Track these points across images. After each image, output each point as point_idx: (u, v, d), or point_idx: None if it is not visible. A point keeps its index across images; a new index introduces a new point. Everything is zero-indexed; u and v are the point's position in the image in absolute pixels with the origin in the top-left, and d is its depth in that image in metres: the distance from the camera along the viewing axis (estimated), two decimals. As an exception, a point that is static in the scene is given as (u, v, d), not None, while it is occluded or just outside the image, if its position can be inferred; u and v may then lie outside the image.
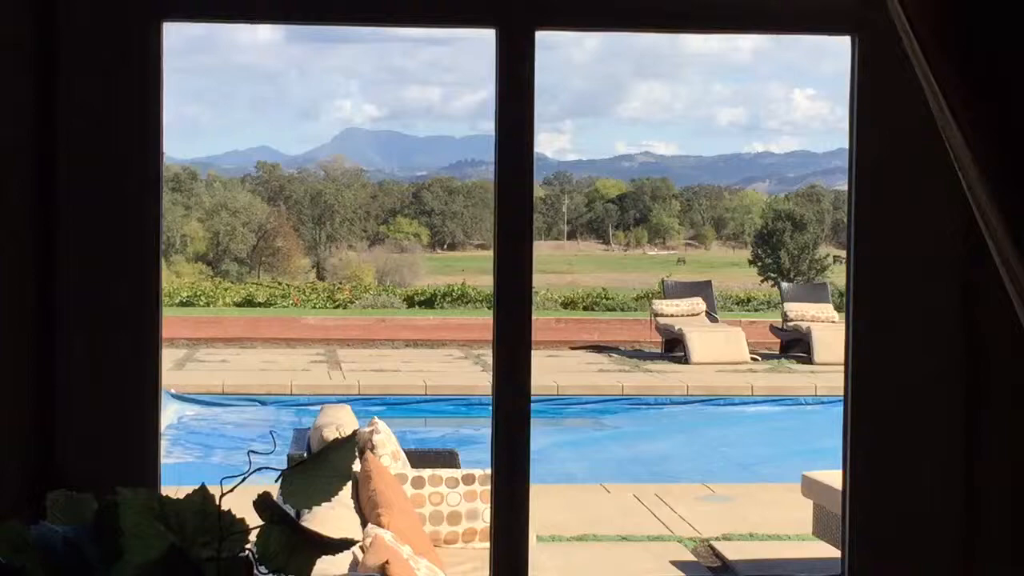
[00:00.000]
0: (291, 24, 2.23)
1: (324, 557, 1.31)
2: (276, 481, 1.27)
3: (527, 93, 2.14)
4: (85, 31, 2.07)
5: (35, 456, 2.09)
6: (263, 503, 1.25)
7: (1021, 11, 1.39)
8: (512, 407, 2.19)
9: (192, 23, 2.17)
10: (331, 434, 6.82)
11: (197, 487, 1.27)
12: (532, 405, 2.21)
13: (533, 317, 2.23)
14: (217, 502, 1.26)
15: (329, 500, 1.29)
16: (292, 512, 1.36)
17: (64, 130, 2.08)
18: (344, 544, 1.28)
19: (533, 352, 2.22)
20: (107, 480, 2.08)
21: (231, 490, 1.26)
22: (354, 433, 1.38)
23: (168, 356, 20.08)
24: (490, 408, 2.23)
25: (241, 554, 1.26)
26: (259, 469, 1.27)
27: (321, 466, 1.30)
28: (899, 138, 2.21)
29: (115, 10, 2.08)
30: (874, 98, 2.22)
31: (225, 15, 2.20)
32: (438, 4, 2.19)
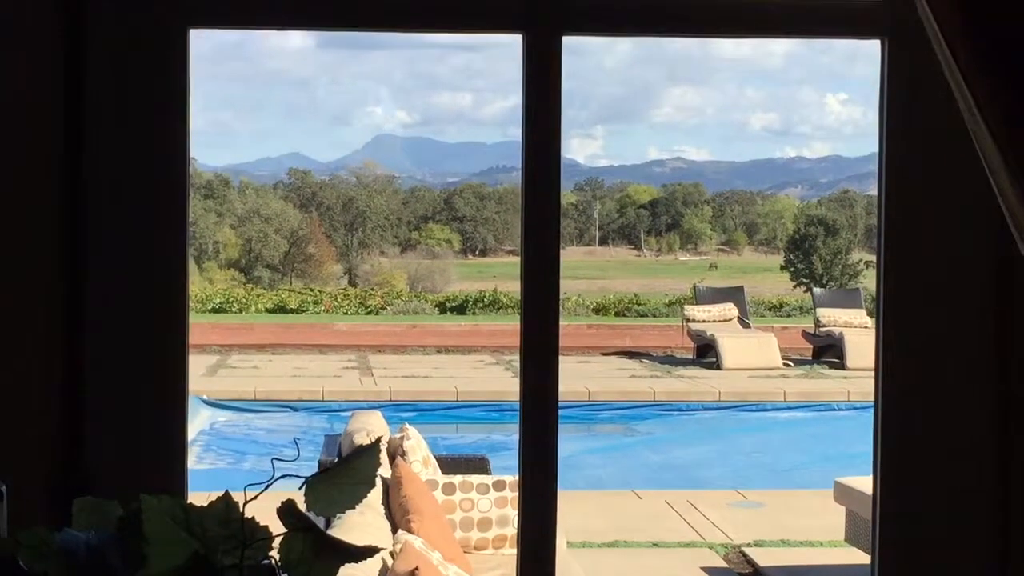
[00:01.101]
0: (318, 30, 2.23)
1: (352, 564, 1.30)
2: (300, 488, 1.27)
3: (554, 99, 2.13)
4: (113, 36, 2.08)
5: (62, 462, 2.10)
6: (287, 510, 1.25)
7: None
8: (539, 413, 2.18)
9: (220, 30, 2.17)
10: (362, 440, 6.83)
11: (220, 495, 1.27)
12: (563, 411, 2.21)
13: (564, 323, 2.23)
14: (241, 509, 1.25)
15: (353, 507, 1.28)
16: (320, 519, 1.35)
17: (92, 134, 2.08)
18: (368, 552, 1.27)
19: (564, 357, 2.21)
20: (134, 485, 2.09)
21: (255, 497, 1.26)
22: (379, 440, 1.37)
23: (200, 362, 20.15)
24: (520, 414, 2.23)
25: (264, 562, 1.26)
26: (283, 476, 1.27)
27: (346, 473, 1.30)
28: (929, 142, 2.20)
29: (143, 16, 2.09)
30: (904, 102, 2.21)
31: (252, 22, 2.20)
32: (464, 10, 2.18)
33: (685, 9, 2.22)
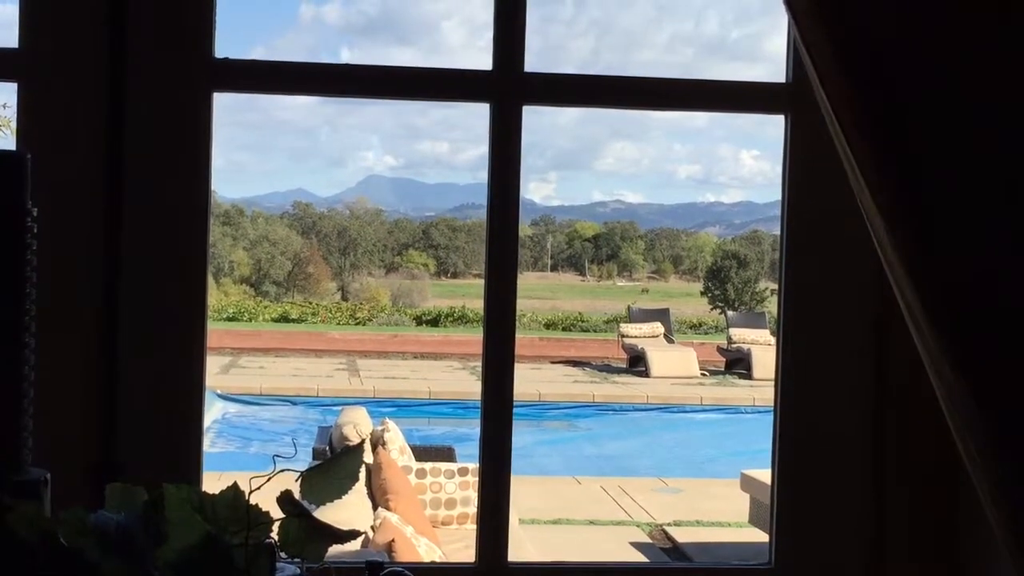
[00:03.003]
0: (320, 96, 2.23)
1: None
2: (296, 480, 1.27)
3: (515, 154, 2.15)
4: (150, 97, 2.08)
5: (97, 452, 2.09)
6: (285, 499, 1.25)
7: (931, 101, 1.40)
8: (497, 411, 2.18)
9: (239, 93, 2.17)
10: (349, 431, 6.80)
11: (230, 485, 1.27)
12: (517, 409, 2.21)
13: (520, 335, 2.23)
14: (246, 497, 1.25)
15: (340, 498, 1.28)
16: (311, 506, 1.35)
17: (131, 176, 2.09)
18: (351, 535, 1.27)
19: (519, 365, 2.21)
20: (159, 466, 2.08)
21: (258, 488, 1.26)
22: (363, 442, 1.38)
23: (216, 362, 20.03)
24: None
25: (266, 541, 1.26)
26: (282, 471, 1.27)
27: (334, 469, 1.30)
28: (823, 194, 2.22)
29: (175, 82, 2.09)
30: (803, 164, 2.23)
31: (266, 89, 2.21)
32: (442, 83, 2.20)
33: (619, 88, 2.24)
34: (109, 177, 2.08)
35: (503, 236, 2.15)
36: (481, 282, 2.20)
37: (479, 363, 2.24)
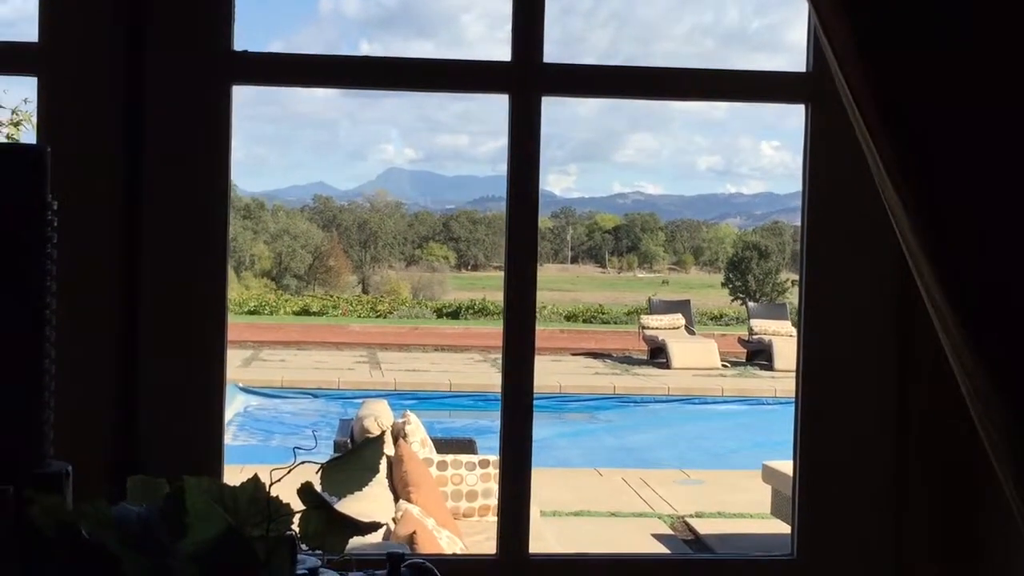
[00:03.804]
0: (339, 88, 2.23)
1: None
2: (316, 472, 1.27)
3: (533, 147, 2.14)
4: (169, 90, 2.08)
5: (119, 445, 2.09)
6: (305, 491, 1.25)
7: (955, 90, 1.39)
8: (518, 403, 2.18)
9: (259, 86, 2.17)
10: (370, 424, 6.82)
11: (251, 477, 1.27)
12: (538, 401, 2.21)
13: (540, 328, 2.22)
14: (267, 489, 1.25)
15: (360, 490, 1.28)
16: (332, 498, 1.36)
17: (150, 169, 2.09)
18: (372, 526, 1.27)
19: (540, 357, 2.21)
20: (181, 459, 2.09)
21: (279, 480, 1.26)
22: (382, 434, 1.37)
23: (237, 356, 20.09)
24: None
25: (286, 533, 1.26)
26: (303, 463, 1.27)
27: (355, 461, 1.30)
28: (844, 186, 2.21)
29: (194, 75, 2.09)
30: (824, 155, 2.22)
31: (286, 81, 2.21)
32: (461, 74, 2.19)
33: (639, 78, 2.23)
34: (128, 171, 2.08)
35: (522, 228, 2.15)
36: (501, 274, 2.20)
37: (499, 355, 2.24)
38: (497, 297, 34.98)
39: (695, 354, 21.20)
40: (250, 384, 17.50)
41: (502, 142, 2.18)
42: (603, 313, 35.71)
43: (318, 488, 1.29)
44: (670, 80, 2.22)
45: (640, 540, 8.79)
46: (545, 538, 6.35)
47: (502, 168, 2.18)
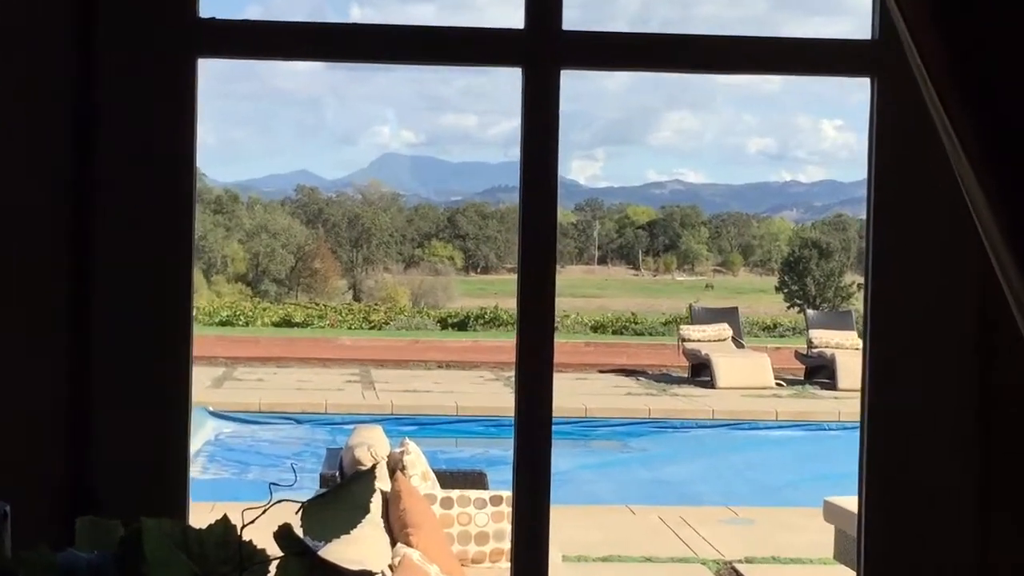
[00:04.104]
0: (324, 61, 2.24)
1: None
2: (296, 512, 1.27)
3: (551, 128, 2.14)
4: (125, 65, 2.09)
5: (66, 478, 2.10)
6: (283, 534, 1.25)
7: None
8: (534, 428, 2.18)
9: (228, 59, 2.18)
10: (363, 454, 6.83)
11: (220, 518, 1.27)
12: (560, 427, 2.21)
13: (563, 340, 2.23)
14: (238, 532, 1.25)
15: (348, 532, 1.28)
16: (316, 542, 1.35)
17: (103, 155, 2.09)
18: (364, 575, 1.27)
19: (562, 375, 2.21)
20: (137, 495, 2.09)
21: (253, 521, 1.26)
22: (374, 467, 1.37)
23: (207, 374, 20.16)
24: (518, 429, 2.23)
25: (261, 584, 1.26)
26: (279, 502, 1.27)
27: (343, 498, 1.30)
28: (916, 174, 2.20)
29: (153, 47, 2.10)
30: (893, 136, 2.22)
31: (259, 53, 2.21)
32: (466, 45, 2.19)
33: (678, 47, 2.23)
34: (78, 158, 2.09)
35: (540, 223, 2.15)
36: (514, 277, 2.21)
37: (514, 373, 2.24)
38: (511, 304, 35.04)
39: (744, 371, 21.19)
40: (222, 408, 17.55)
41: (516, 122, 2.18)
42: (636, 323, 35.73)
43: (299, 531, 1.29)
44: (712, 50, 2.22)
45: (680, 590, 8.78)
46: (568, 588, 6.35)
47: (516, 153, 2.19)
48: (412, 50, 2.17)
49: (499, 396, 18.64)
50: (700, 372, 21.85)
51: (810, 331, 23.64)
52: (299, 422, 17.36)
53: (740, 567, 9.44)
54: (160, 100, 2.10)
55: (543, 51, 2.13)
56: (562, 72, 2.12)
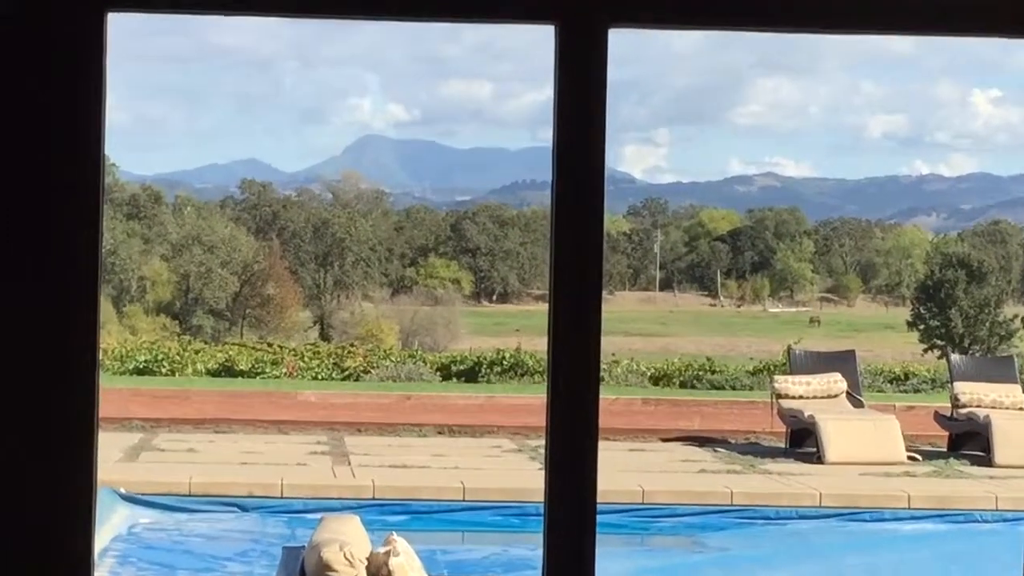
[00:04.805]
0: (281, 16, 2.24)
1: None
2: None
3: (596, 104, 2.16)
4: (16, 19, 2.11)
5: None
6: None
7: None
8: (571, 518, 2.20)
9: (144, 13, 2.20)
10: (333, 556, 6.84)
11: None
12: (606, 516, 2.23)
13: (610, 395, 2.25)
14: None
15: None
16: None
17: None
18: None
19: (610, 443, 2.23)
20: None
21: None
22: (353, 570, 1.39)
23: (118, 442, 20.17)
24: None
25: None
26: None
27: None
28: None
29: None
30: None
31: (186, 5, 2.23)
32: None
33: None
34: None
35: (579, 233, 2.18)
36: (544, 307, 2.23)
37: (542, 442, 2.27)
38: (540, 346, 34.99)
39: (864, 439, 21.13)
40: (138, 490, 17.55)
41: (548, 93, 2.21)
42: (713, 372, 35.65)
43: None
44: (815, 2, 2.23)
45: None
46: None
47: (546, 136, 2.21)
48: (409, 2, 2.19)
49: (522, 474, 18.61)
50: (802, 441, 21.79)
51: (955, 384, 23.55)
52: (245, 510, 17.35)
53: None
54: (58, 64, 2.13)
55: (586, 3, 2.14)
56: (610, 31, 2.14)
